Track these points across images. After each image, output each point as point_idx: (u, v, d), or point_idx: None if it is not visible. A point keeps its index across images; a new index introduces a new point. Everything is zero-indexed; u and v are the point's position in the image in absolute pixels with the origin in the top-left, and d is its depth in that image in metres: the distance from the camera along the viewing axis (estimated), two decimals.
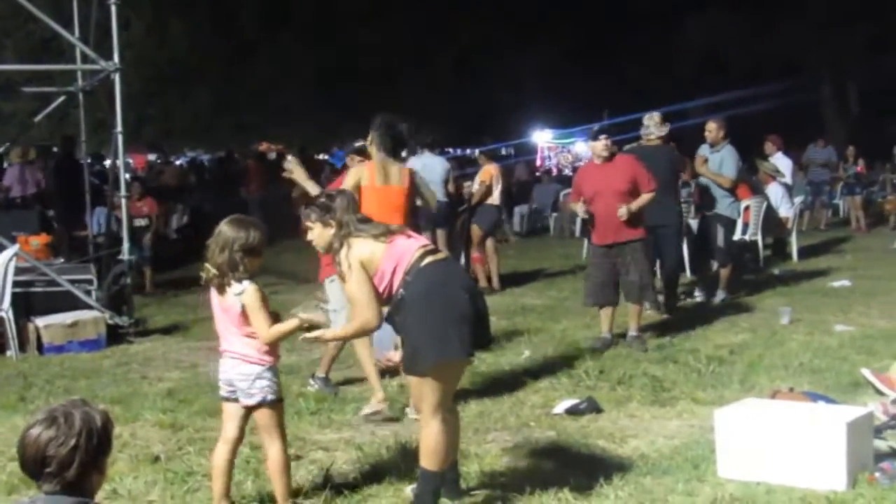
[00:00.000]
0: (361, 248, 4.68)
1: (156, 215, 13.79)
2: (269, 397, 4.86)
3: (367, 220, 4.84)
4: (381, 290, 4.69)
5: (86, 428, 2.79)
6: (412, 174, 7.24)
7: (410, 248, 4.72)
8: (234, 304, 4.78)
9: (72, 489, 2.79)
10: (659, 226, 9.86)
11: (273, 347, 4.90)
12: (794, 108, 25.50)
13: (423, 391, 4.72)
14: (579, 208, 9.05)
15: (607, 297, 8.79)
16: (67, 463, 2.76)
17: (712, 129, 10.95)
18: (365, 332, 4.94)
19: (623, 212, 8.48)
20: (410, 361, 4.71)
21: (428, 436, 4.72)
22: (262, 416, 4.93)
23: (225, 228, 4.76)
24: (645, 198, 8.67)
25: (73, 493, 2.80)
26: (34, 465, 2.79)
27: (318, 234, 4.81)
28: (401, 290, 4.65)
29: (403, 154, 7.77)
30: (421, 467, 4.78)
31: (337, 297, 6.72)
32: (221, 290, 4.82)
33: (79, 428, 2.78)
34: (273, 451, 4.93)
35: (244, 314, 4.79)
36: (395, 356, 5.06)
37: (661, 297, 10.59)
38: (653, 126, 10.25)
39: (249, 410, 4.94)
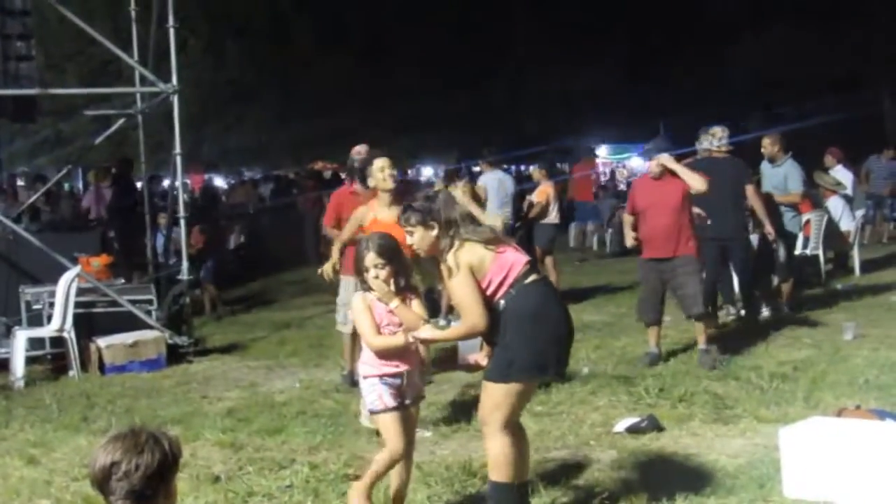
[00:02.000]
0: (471, 253, 4.63)
1: (205, 244, 13.63)
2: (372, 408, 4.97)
3: (472, 220, 4.83)
4: None
5: (153, 446, 2.85)
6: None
7: (519, 261, 4.71)
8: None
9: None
10: (727, 238, 9.80)
11: (386, 356, 4.93)
12: (854, 121, 25.11)
13: (500, 403, 4.68)
14: (627, 233, 9.04)
15: (650, 313, 8.78)
16: (134, 469, 2.81)
17: (766, 144, 10.83)
18: (472, 335, 4.83)
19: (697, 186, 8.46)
20: (502, 371, 4.66)
21: (496, 448, 4.71)
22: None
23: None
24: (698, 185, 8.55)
25: None
26: (102, 472, 2.84)
27: (421, 237, 4.72)
28: (502, 301, 4.64)
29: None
30: (491, 481, 4.76)
31: (343, 295, 7.72)
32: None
33: (146, 444, 2.84)
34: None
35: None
36: (482, 359, 4.95)
37: (732, 309, 10.52)
38: (718, 138, 10.09)
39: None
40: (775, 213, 10.73)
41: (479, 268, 4.62)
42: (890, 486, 4.93)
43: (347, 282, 7.81)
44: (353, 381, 8.03)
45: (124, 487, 2.81)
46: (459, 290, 4.62)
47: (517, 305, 4.62)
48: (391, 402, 4.85)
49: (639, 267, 9.16)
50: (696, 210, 9.45)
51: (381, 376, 4.86)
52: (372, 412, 4.98)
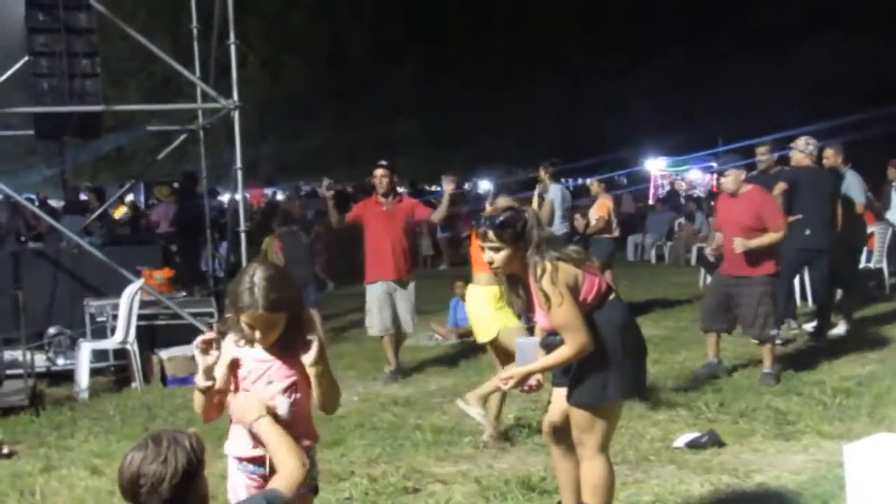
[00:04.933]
0: (566, 273, 4.46)
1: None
2: None
3: (554, 240, 4.67)
4: None
5: (175, 451, 2.88)
6: None
7: (602, 279, 4.66)
8: None
9: None
10: (815, 250, 9.76)
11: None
12: None
13: (595, 425, 4.60)
14: (708, 249, 9.00)
15: (715, 323, 8.67)
16: (159, 480, 2.85)
17: (829, 155, 10.68)
18: (580, 356, 4.52)
19: (738, 244, 8.23)
20: (596, 394, 4.55)
21: (595, 470, 4.64)
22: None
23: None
24: (769, 237, 8.27)
25: None
26: (130, 486, 2.89)
27: (508, 255, 4.53)
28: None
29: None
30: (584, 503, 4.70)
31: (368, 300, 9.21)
32: None
33: (168, 451, 2.88)
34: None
35: None
36: (543, 380, 4.83)
37: (793, 324, 10.40)
38: (801, 147, 9.94)
39: None
40: (853, 225, 10.57)
41: (574, 287, 4.48)
42: None
43: (371, 287, 9.37)
44: (394, 378, 9.09)
45: (155, 500, 2.85)
46: (564, 313, 4.43)
47: (606, 323, 4.55)
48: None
49: (712, 278, 9.08)
50: (791, 218, 9.40)
51: (239, 459, 3.71)
52: None
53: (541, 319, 4.69)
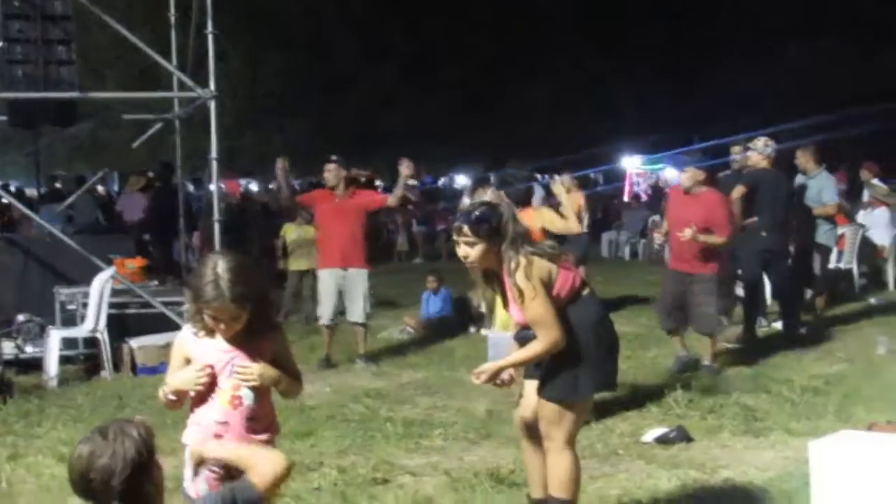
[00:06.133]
0: (540, 268, 4.48)
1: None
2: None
3: (529, 235, 4.68)
4: None
5: (123, 441, 2.80)
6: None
7: (577, 274, 4.68)
8: None
9: (125, 502, 2.81)
10: (770, 251, 9.85)
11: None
12: (893, 132, 24.86)
13: (563, 419, 4.61)
14: (657, 235, 9.08)
15: (671, 322, 8.82)
16: (109, 474, 2.77)
17: (800, 157, 10.79)
18: (552, 352, 4.53)
19: (687, 232, 8.33)
20: (567, 389, 4.56)
21: (562, 464, 4.64)
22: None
23: None
24: (715, 239, 8.43)
25: None
26: (81, 481, 2.83)
27: (483, 250, 4.51)
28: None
29: None
30: (553, 497, 4.69)
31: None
32: None
33: (115, 443, 2.80)
34: None
35: None
36: (517, 375, 4.87)
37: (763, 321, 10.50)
38: (759, 148, 10.02)
39: None
40: (811, 226, 10.68)
41: (548, 282, 4.49)
42: None
43: (321, 274, 9.75)
44: (325, 366, 9.42)
45: (108, 494, 2.79)
46: (537, 307, 4.43)
47: (579, 319, 4.56)
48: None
49: (662, 275, 9.16)
50: (749, 220, 9.64)
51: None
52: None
53: (514, 314, 4.70)
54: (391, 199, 9.99)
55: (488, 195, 8.42)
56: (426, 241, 22.42)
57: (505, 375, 4.70)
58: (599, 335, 4.62)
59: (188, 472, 3.65)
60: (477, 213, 4.53)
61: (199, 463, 3.55)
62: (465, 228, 4.51)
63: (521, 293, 4.43)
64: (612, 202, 26.97)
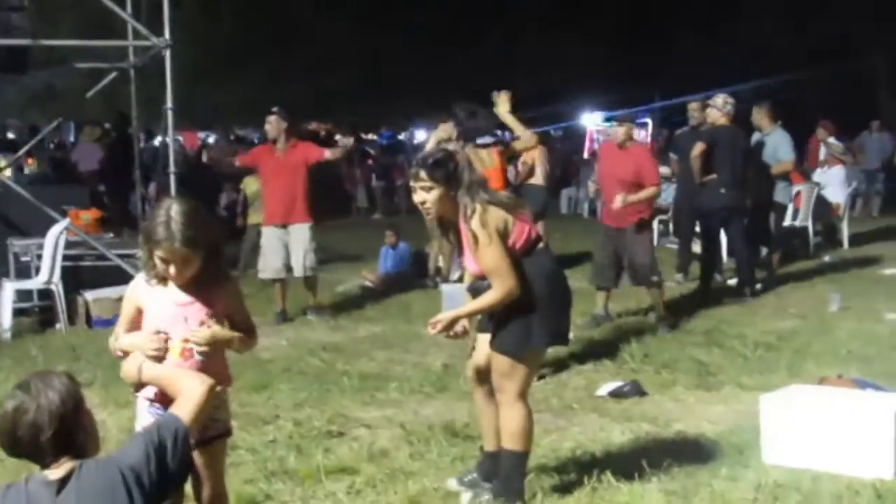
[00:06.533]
0: (497, 217, 4.46)
1: None
2: None
3: (485, 184, 4.65)
4: None
5: (46, 391, 2.76)
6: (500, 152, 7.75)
7: (532, 227, 4.66)
8: None
9: (58, 453, 2.77)
10: (729, 208, 9.94)
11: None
12: (848, 91, 25.06)
13: (515, 372, 4.59)
14: (591, 186, 9.39)
15: (603, 280, 8.96)
16: (37, 429, 2.74)
17: (755, 114, 10.87)
18: (507, 301, 4.48)
19: (618, 201, 8.50)
20: (519, 342, 4.54)
21: (514, 417, 4.64)
22: None
23: None
24: (646, 192, 8.61)
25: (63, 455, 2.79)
26: (9, 439, 2.79)
27: (439, 196, 4.49)
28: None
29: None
30: (506, 450, 4.69)
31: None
32: None
33: (37, 393, 2.76)
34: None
35: None
36: (469, 326, 4.85)
37: (718, 277, 10.61)
38: (719, 105, 10.08)
39: None
40: (768, 183, 10.75)
41: (504, 233, 4.47)
42: (867, 453, 4.97)
43: (265, 230, 9.69)
44: (280, 320, 9.40)
45: (39, 449, 2.75)
46: (492, 255, 4.42)
47: (533, 272, 4.54)
48: None
49: (599, 232, 9.23)
50: (707, 177, 9.82)
51: (150, 401, 3.63)
52: None
53: (469, 264, 4.70)
54: (328, 153, 9.87)
55: (447, 129, 8.48)
56: (385, 196, 22.36)
57: (459, 327, 4.71)
58: (552, 288, 4.62)
59: (140, 423, 3.63)
60: (433, 158, 4.54)
61: (138, 388, 3.55)
62: (422, 173, 4.50)
63: (476, 239, 4.42)
64: (571, 158, 26.96)
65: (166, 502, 2.93)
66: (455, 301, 4.68)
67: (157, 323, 3.60)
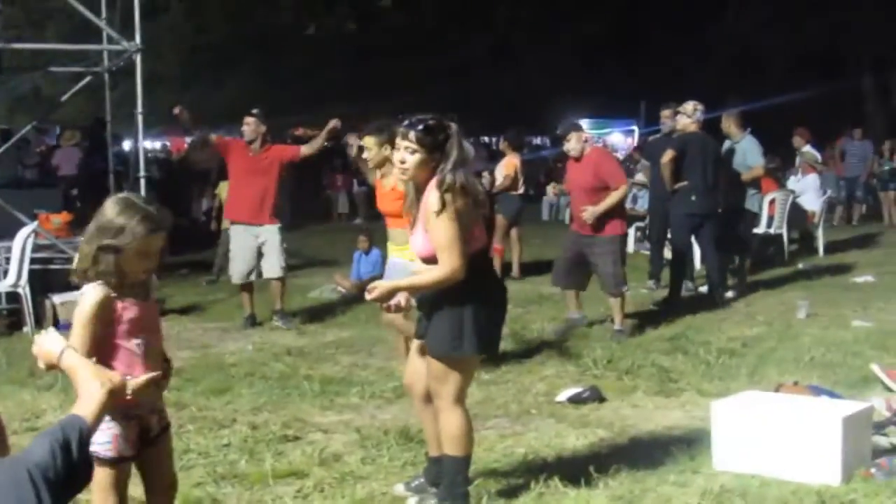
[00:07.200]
0: (464, 202, 4.38)
1: None
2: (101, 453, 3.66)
3: (470, 165, 4.57)
4: None
5: None
6: None
7: (484, 234, 4.62)
8: None
9: None
10: (701, 215, 9.99)
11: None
12: (835, 100, 25.12)
13: (449, 377, 4.56)
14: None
15: (567, 281, 9.03)
16: None
17: (724, 122, 10.92)
18: (449, 282, 4.40)
19: (587, 214, 8.56)
20: (451, 343, 4.49)
21: (452, 421, 4.61)
22: None
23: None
24: (613, 196, 8.60)
25: None
26: None
27: (419, 160, 4.42)
28: None
29: None
30: (448, 455, 4.67)
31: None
32: None
33: None
34: None
35: None
36: (404, 301, 4.69)
37: (689, 285, 10.63)
38: (689, 112, 10.12)
39: None
40: (739, 191, 10.78)
41: (465, 219, 4.39)
42: (815, 459, 4.99)
43: (232, 228, 9.69)
44: (248, 324, 9.44)
45: None
46: (446, 229, 4.32)
47: (472, 274, 4.46)
48: (128, 451, 3.64)
49: (566, 235, 9.27)
50: (678, 184, 9.91)
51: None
52: (99, 458, 3.51)
53: (416, 243, 4.59)
54: (305, 149, 9.80)
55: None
56: (367, 201, 22.35)
57: (400, 299, 4.62)
58: (488, 294, 4.61)
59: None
60: (426, 123, 4.48)
61: (49, 368, 3.43)
62: (411, 134, 4.44)
63: (440, 209, 4.31)
64: (555, 165, 27.02)
65: None
66: (398, 273, 4.57)
67: (150, 337, 3.65)
